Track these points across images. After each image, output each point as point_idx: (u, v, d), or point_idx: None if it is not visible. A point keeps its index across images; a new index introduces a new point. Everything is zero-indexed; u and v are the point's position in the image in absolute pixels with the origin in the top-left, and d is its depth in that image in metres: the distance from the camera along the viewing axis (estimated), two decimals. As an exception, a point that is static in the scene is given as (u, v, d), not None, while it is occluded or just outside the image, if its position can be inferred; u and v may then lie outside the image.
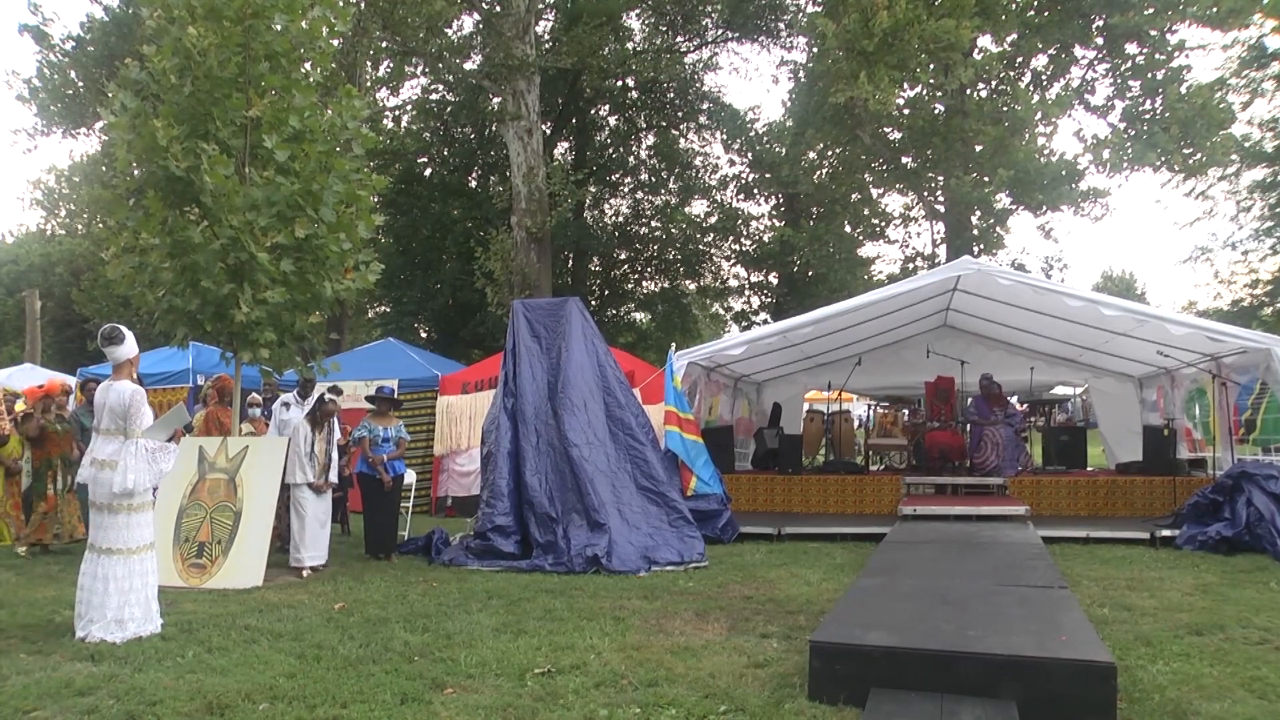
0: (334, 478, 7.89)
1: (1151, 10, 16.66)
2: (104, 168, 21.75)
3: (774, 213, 26.06)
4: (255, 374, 8.60)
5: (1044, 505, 10.08)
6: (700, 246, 25.84)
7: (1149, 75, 17.31)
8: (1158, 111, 17.17)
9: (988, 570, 6.04)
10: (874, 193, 21.37)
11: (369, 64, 20.52)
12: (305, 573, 7.32)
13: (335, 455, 7.92)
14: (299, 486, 7.49)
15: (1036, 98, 17.41)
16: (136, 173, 7.44)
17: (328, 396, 7.99)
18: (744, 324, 26.31)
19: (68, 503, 8.64)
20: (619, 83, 24.08)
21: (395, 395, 9.07)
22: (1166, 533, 8.40)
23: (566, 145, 25.78)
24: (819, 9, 18.13)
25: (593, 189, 24.02)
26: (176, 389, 11.88)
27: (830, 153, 21.08)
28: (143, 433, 5.18)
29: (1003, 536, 7.65)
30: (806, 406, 15.24)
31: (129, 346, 5.30)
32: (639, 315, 28.01)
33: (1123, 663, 4.23)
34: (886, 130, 18.34)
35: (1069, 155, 17.74)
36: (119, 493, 5.08)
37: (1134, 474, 10.57)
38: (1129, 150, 17.00)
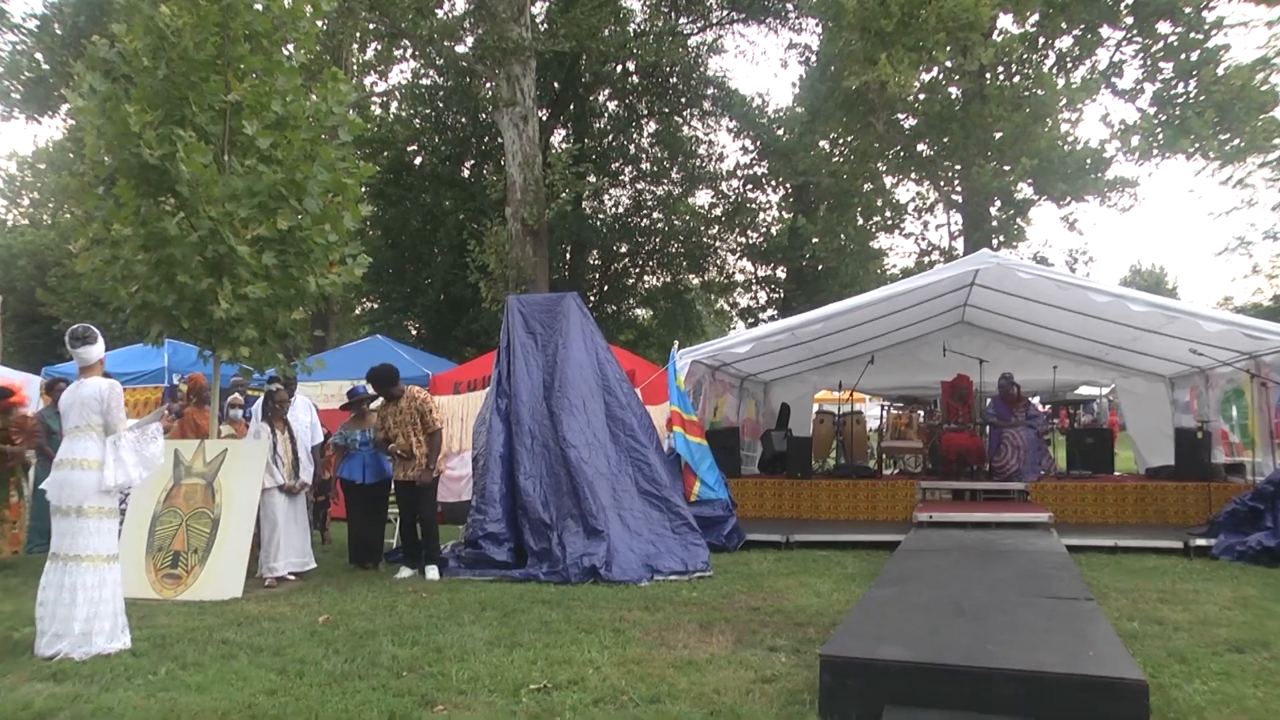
0: (305, 477, 7.84)
1: (1187, -15, 16.59)
2: (71, 154, 21.69)
3: (782, 204, 26.05)
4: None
5: (1068, 512, 10.06)
6: (704, 239, 25.82)
7: (1183, 56, 17.20)
8: (1191, 95, 17.10)
9: (1009, 580, 6.02)
10: (888, 182, 21.35)
11: (355, 46, 20.50)
12: (269, 582, 7.30)
13: (302, 454, 7.86)
14: (268, 490, 7.45)
15: (1061, 81, 17.34)
16: (107, 160, 7.40)
17: (275, 388, 7.94)
18: (750, 320, 26.35)
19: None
20: (619, 67, 24.06)
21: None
22: (1201, 542, 8.36)
23: (564, 133, 25.79)
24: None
25: (592, 179, 24.06)
26: (150, 389, 11.87)
27: (842, 141, 21.06)
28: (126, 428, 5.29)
29: (1024, 545, 7.63)
30: (816, 407, 15.26)
31: (101, 346, 5.41)
32: (640, 311, 28.03)
33: (1155, 680, 4.20)
34: (901, 116, 18.31)
35: (1095, 142, 17.73)
36: (107, 490, 5.14)
37: (1165, 479, 10.55)
38: (1160, 136, 16.94)
